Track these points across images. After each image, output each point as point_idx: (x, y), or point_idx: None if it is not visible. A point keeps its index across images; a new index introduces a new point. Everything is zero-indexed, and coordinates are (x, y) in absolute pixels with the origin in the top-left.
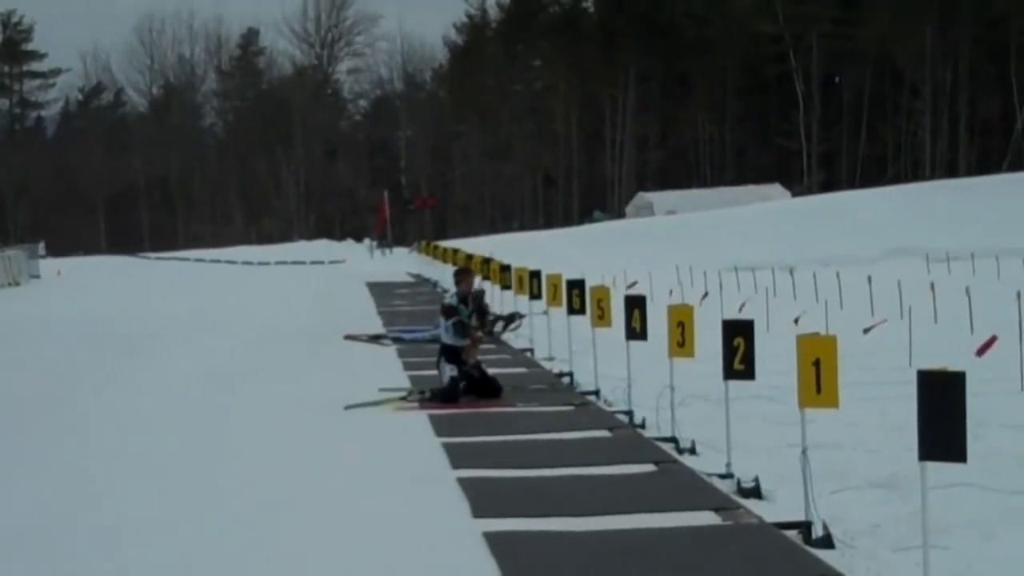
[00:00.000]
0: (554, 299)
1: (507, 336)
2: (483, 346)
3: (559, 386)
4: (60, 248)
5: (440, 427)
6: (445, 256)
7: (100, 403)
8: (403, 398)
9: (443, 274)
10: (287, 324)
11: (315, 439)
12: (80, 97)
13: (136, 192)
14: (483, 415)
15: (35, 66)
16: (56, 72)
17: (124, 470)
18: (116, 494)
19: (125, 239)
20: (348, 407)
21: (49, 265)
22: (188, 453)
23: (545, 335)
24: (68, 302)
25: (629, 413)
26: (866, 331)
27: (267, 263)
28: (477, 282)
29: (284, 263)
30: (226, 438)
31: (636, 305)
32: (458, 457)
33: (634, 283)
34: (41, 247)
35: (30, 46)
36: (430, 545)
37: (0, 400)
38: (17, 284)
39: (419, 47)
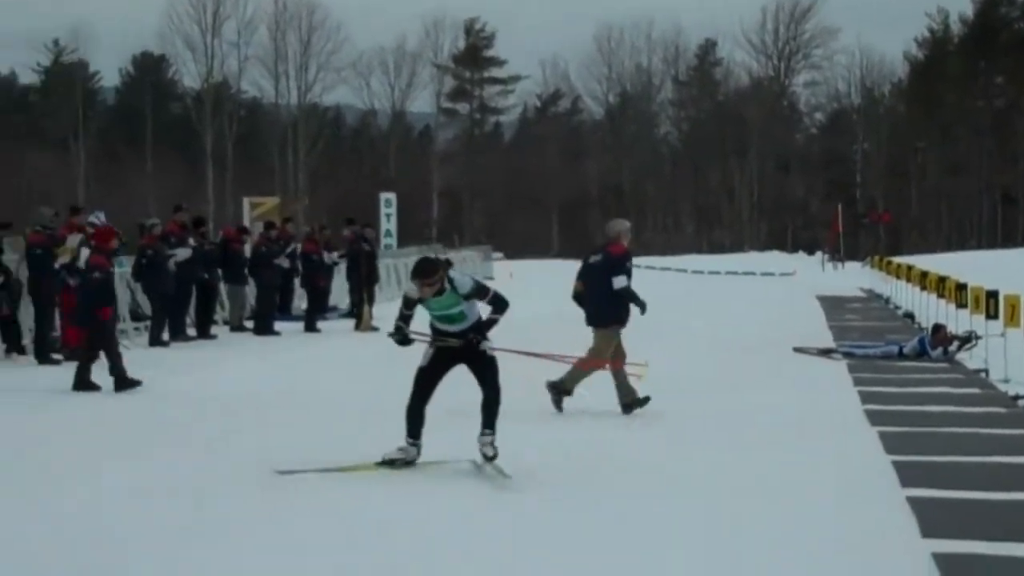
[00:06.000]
0: (1012, 320)
1: (961, 356)
2: (935, 364)
3: (1015, 408)
4: (512, 251)
5: (890, 444)
6: (899, 272)
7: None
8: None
9: (895, 290)
10: (735, 334)
11: (758, 453)
12: (538, 104)
13: (589, 198)
14: (935, 435)
15: (495, 72)
16: (515, 79)
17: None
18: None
19: (577, 244)
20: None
21: (502, 267)
22: (634, 455)
23: (1001, 356)
24: (517, 303)
25: None
26: None
27: (717, 272)
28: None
29: (734, 274)
30: (661, 450)
31: None
32: (908, 476)
33: None
34: (496, 254)
35: (491, 52)
36: (876, 563)
37: None
38: None
39: (878, 61)
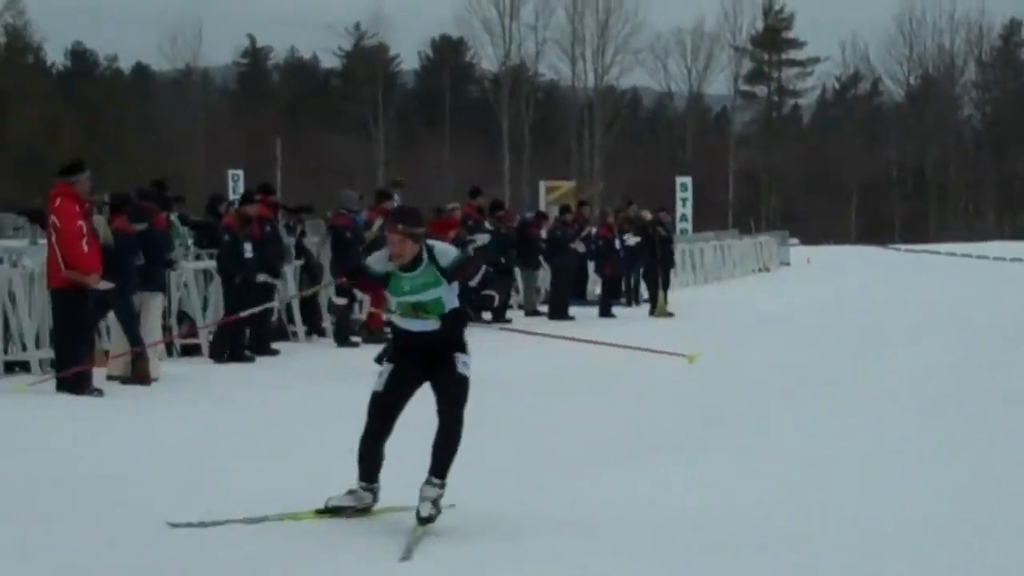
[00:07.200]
0: None
1: None
2: None
3: None
4: (809, 237)
5: None
6: None
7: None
8: None
9: None
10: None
11: None
12: (837, 86)
13: (889, 183)
14: None
15: (794, 54)
16: (814, 61)
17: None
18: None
19: (875, 230)
20: None
21: (799, 253)
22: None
23: None
24: (814, 289)
25: None
26: None
27: (1020, 259)
28: None
29: None
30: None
31: None
32: None
33: None
34: (792, 240)
35: (790, 34)
36: None
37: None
38: (767, 270)
39: None
